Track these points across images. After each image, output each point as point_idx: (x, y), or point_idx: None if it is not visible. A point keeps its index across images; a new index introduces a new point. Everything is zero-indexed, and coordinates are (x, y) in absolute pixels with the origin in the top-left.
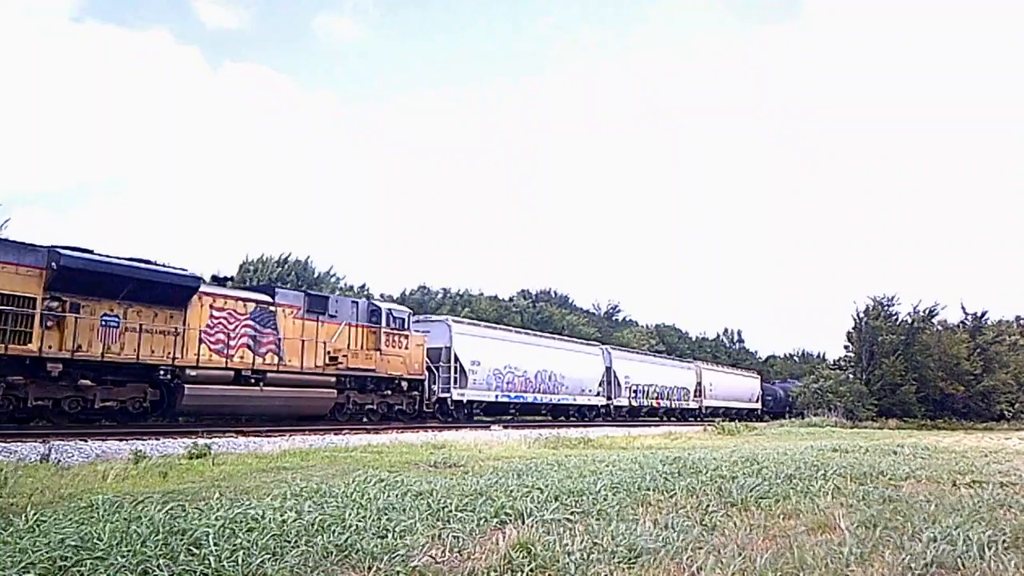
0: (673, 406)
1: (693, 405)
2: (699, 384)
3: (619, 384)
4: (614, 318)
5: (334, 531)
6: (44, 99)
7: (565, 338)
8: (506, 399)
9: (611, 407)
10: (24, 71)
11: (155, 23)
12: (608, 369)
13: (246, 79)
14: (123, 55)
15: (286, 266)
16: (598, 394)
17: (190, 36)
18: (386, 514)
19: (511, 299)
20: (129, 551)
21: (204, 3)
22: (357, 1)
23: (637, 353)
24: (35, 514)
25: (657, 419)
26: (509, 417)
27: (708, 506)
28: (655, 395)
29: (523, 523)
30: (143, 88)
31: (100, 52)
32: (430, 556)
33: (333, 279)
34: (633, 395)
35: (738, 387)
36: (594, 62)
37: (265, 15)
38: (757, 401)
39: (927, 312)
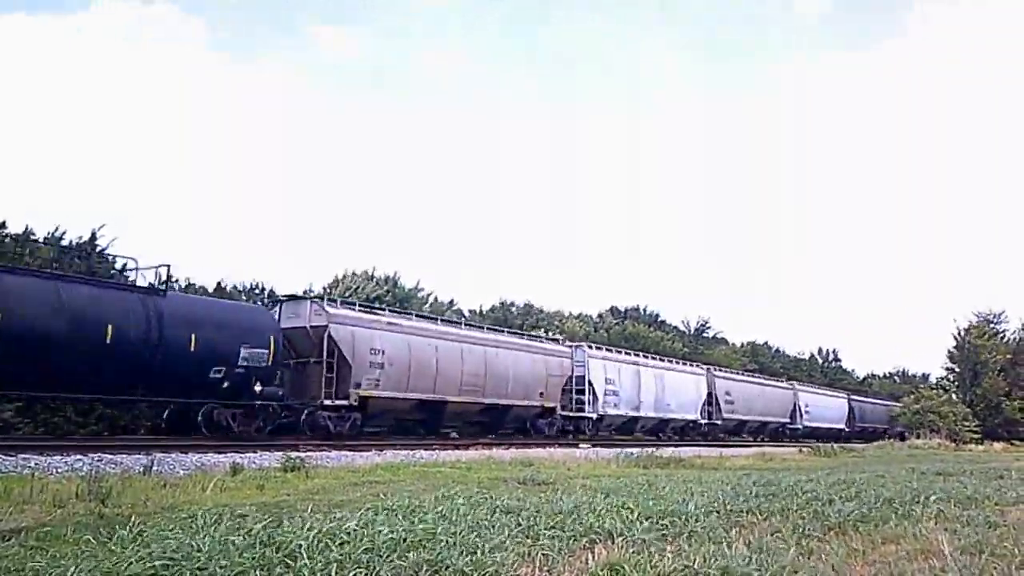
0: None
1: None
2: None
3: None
4: (704, 335)
5: (425, 546)
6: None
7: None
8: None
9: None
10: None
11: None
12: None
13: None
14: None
15: (374, 281)
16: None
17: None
18: (476, 531)
19: (600, 316)
20: (227, 562)
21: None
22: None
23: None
24: (138, 524)
25: (751, 440)
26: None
27: (804, 529)
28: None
29: (612, 543)
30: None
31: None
32: (520, 574)
33: (421, 294)
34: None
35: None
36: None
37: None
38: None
39: None
